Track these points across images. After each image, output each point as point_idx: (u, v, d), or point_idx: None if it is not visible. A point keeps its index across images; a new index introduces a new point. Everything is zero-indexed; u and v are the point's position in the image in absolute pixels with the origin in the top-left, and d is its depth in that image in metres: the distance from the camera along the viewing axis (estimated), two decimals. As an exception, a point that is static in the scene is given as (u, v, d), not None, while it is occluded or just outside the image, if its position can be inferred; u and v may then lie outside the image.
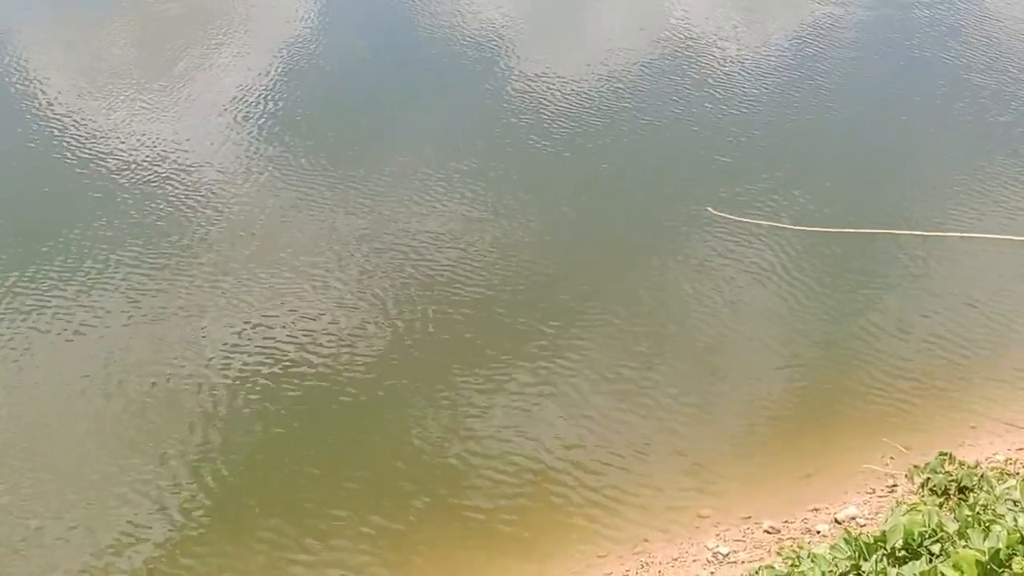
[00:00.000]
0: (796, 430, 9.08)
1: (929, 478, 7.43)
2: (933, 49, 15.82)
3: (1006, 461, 8.29)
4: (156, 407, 8.94)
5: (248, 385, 9.17)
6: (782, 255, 10.91)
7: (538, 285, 10.53)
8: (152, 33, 15.66)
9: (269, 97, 13.85)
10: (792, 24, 16.47)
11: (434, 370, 9.40)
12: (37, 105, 13.59)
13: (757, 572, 6.01)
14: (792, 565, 5.70)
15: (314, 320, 9.93)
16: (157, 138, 12.79)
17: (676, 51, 15.50)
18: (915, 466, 7.65)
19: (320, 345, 9.64)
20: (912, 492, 7.82)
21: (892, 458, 8.41)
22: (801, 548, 6.20)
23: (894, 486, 8.22)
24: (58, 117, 13.29)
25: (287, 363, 9.42)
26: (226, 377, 9.23)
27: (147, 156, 12.41)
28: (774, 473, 8.56)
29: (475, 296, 10.33)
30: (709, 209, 10.86)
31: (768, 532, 7.93)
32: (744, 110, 13.94)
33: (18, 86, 14.12)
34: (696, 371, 9.54)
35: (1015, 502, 6.88)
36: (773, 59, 15.38)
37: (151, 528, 7.90)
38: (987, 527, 4.98)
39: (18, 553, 7.67)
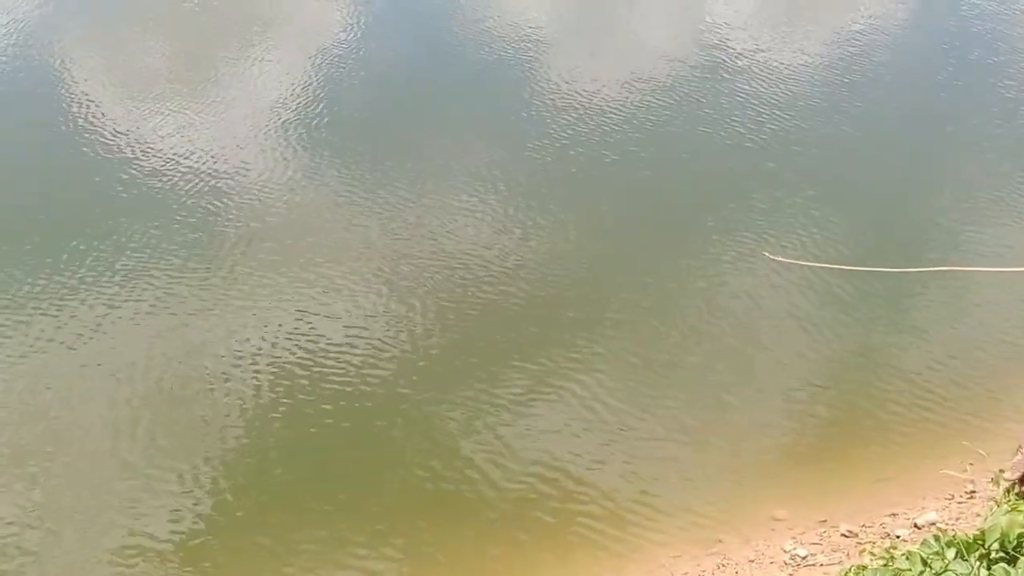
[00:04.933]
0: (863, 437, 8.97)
1: (1016, 483, 7.26)
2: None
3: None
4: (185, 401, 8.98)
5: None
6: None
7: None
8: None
9: (309, 103, 13.69)
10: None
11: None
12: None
13: (848, 572, 5.88)
14: (885, 564, 5.56)
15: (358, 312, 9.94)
16: (202, 143, 12.68)
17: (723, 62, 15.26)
18: (1001, 470, 7.47)
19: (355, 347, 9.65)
20: (990, 498, 7.66)
21: (971, 464, 8.26)
22: (895, 548, 6.07)
23: (973, 492, 8.08)
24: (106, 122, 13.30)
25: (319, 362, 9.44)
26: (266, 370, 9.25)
27: (195, 161, 12.36)
28: (847, 478, 8.44)
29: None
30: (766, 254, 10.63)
31: (846, 536, 7.82)
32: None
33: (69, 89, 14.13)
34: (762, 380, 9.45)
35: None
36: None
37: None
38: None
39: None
